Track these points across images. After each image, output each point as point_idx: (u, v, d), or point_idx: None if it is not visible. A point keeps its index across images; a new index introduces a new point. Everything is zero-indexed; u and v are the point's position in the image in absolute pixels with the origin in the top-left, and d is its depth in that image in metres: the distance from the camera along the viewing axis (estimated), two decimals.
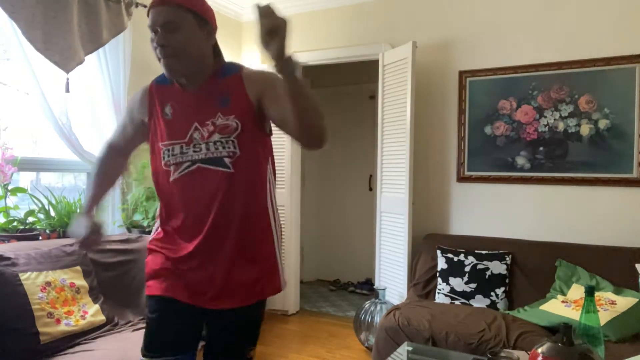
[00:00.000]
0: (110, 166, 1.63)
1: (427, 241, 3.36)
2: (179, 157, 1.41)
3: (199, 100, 1.42)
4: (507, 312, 2.78)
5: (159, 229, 1.51)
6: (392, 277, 3.51)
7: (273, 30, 1.10)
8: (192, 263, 1.43)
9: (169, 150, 1.42)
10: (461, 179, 3.49)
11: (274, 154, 1.57)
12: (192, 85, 1.43)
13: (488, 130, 3.38)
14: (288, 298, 4.13)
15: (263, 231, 1.48)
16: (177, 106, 1.44)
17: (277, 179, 4.14)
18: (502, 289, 2.92)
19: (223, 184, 1.39)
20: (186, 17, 1.35)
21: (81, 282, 2.26)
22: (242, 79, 1.43)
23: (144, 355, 1.43)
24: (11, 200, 2.53)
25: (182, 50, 1.35)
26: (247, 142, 1.40)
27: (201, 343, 1.52)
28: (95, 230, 1.44)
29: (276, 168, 1.61)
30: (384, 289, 3.42)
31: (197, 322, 1.48)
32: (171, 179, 1.43)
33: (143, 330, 1.48)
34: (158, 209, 1.53)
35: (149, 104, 1.49)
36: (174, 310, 1.42)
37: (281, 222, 1.60)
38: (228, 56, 1.50)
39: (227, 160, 1.39)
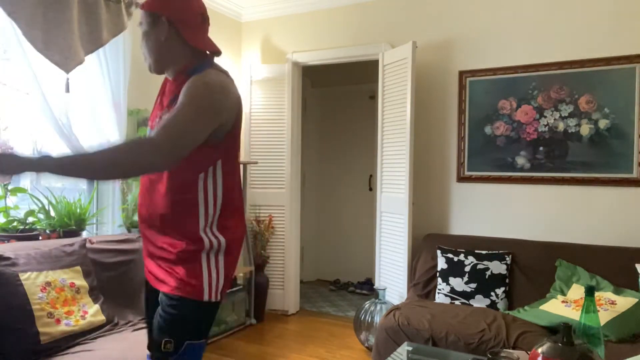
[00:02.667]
0: None
1: (427, 241, 3.36)
2: None
3: (165, 92, 1.49)
4: (507, 312, 2.78)
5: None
6: (392, 277, 3.51)
7: None
8: None
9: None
10: (461, 179, 3.49)
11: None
12: (170, 75, 1.49)
13: (488, 130, 3.38)
14: (288, 298, 4.13)
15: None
16: (160, 93, 1.52)
17: (277, 179, 4.06)
18: (502, 289, 2.92)
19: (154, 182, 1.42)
20: (149, 22, 1.41)
21: (81, 282, 2.26)
22: (187, 82, 1.36)
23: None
24: (11, 200, 2.53)
25: (154, 59, 1.43)
26: None
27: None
28: None
29: (241, 185, 1.46)
30: (384, 289, 3.41)
31: None
32: None
33: (143, 330, 1.47)
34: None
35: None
36: None
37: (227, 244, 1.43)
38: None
39: None
